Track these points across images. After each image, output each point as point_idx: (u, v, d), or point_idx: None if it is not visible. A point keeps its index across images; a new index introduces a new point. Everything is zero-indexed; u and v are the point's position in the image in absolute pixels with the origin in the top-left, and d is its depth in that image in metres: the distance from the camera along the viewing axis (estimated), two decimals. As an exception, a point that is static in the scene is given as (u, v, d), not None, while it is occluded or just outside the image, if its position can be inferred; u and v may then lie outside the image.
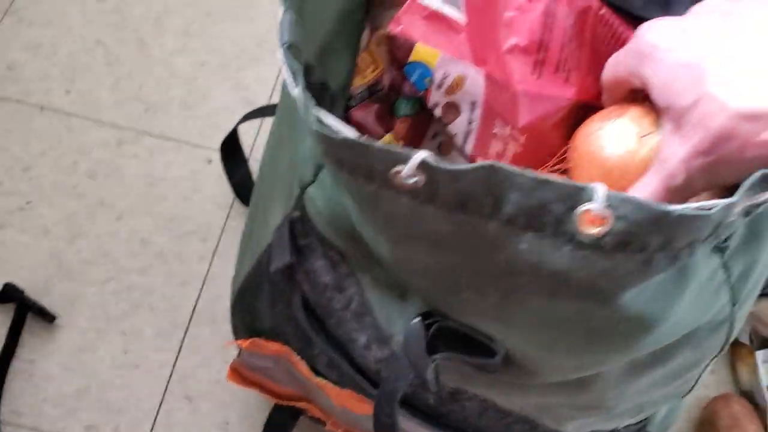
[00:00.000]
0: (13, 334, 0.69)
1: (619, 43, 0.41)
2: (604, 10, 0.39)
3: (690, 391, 0.47)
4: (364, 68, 0.42)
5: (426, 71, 0.39)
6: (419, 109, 0.42)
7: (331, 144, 0.29)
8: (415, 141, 0.43)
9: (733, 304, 0.36)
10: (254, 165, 0.79)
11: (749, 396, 0.72)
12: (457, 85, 0.39)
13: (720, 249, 0.33)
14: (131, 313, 0.72)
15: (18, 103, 0.81)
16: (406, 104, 0.42)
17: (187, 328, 0.72)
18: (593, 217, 0.26)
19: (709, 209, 0.26)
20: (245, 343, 0.50)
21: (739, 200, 0.27)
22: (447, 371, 0.41)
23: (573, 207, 0.26)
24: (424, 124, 0.43)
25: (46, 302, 0.71)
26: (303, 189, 0.40)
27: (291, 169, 0.42)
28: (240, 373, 0.58)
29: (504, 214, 0.27)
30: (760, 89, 0.28)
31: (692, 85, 0.30)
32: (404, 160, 0.27)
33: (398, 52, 0.39)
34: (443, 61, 0.38)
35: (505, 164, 0.26)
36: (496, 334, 0.36)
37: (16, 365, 0.69)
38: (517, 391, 0.41)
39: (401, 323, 0.40)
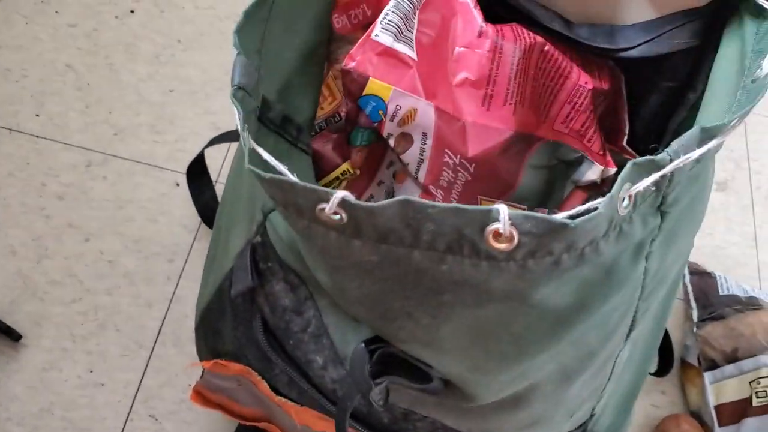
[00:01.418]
0: (-22, 354, 0.69)
1: (563, 77, 0.44)
2: (548, 47, 0.43)
3: (607, 382, 0.48)
4: (322, 101, 0.44)
5: (380, 104, 0.41)
6: (375, 139, 0.45)
7: (260, 181, 0.31)
8: (371, 169, 0.46)
9: (639, 299, 0.39)
10: (221, 188, 0.81)
11: (698, 416, 0.75)
12: (409, 117, 0.41)
13: (641, 247, 0.36)
14: (97, 333, 0.73)
15: (-13, 126, 0.82)
16: (362, 134, 0.45)
17: (153, 348, 0.73)
18: (501, 235, 0.29)
19: (596, 209, 0.29)
20: (208, 365, 0.51)
21: (617, 193, 0.30)
22: (397, 393, 0.44)
23: (483, 228, 0.29)
24: (380, 154, 0.46)
25: (11, 322, 0.72)
26: (266, 215, 0.42)
27: (253, 195, 0.44)
28: (203, 394, 0.59)
29: (423, 243, 0.30)
30: None
31: None
32: (326, 198, 0.29)
33: (352, 85, 0.41)
34: (396, 94, 0.41)
35: (417, 198, 0.29)
36: (431, 360, 0.38)
37: (-19, 384, 0.69)
38: (463, 413, 0.43)
39: (355, 345, 0.42)
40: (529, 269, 0.30)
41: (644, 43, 0.44)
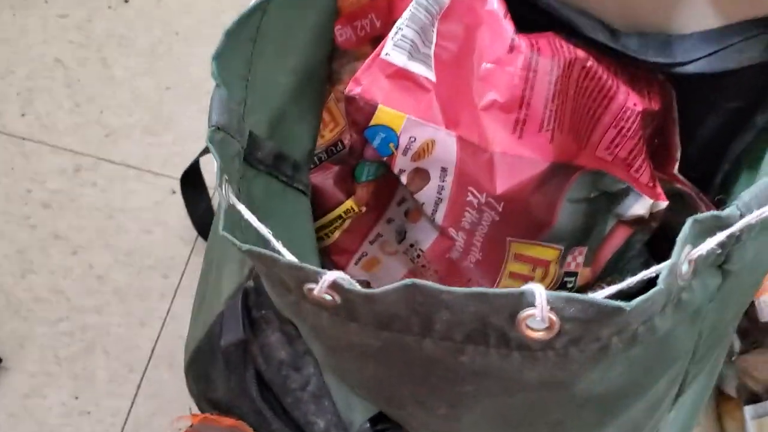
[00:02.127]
0: (-46, 379, 0.64)
1: (607, 97, 0.37)
2: (590, 62, 0.36)
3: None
4: (322, 127, 0.38)
5: (390, 135, 0.34)
6: (384, 172, 0.38)
7: (244, 252, 0.25)
8: (379, 207, 0.39)
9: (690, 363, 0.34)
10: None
11: (735, 449, 0.69)
12: (425, 151, 0.35)
13: (698, 312, 0.30)
14: (84, 356, 0.68)
15: (-30, 126, 0.77)
16: (369, 169, 0.38)
17: (144, 372, 0.68)
18: (538, 322, 0.23)
19: (653, 283, 0.24)
20: (197, 419, 0.46)
21: (677, 260, 0.24)
22: None
23: (514, 315, 0.23)
24: (390, 189, 0.39)
25: (-8, 343, 0.66)
26: None
27: None
28: None
29: (437, 332, 0.24)
30: None
31: None
32: (314, 279, 0.24)
33: (358, 114, 0.35)
34: (410, 124, 0.34)
35: (427, 282, 0.23)
36: None
37: (-43, 412, 0.64)
38: None
39: (360, 411, 0.37)
40: (571, 358, 0.25)
41: (706, 56, 0.38)
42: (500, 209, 0.36)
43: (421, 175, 0.36)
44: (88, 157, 0.76)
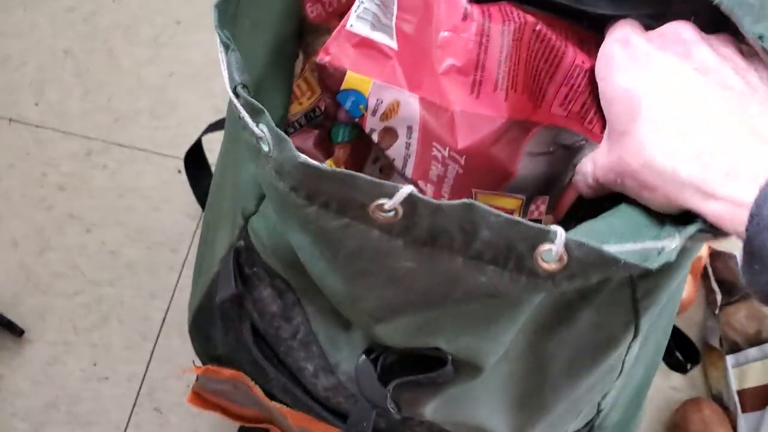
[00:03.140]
0: (-19, 349, 0.69)
1: (558, 57, 0.41)
2: (539, 26, 0.39)
3: (617, 378, 0.47)
4: (300, 95, 0.42)
5: (359, 98, 0.38)
6: (357, 134, 0.42)
7: (313, 176, 0.29)
8: (356, 166, 0.43)
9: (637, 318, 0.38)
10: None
11: (719, 400, 0.72)
12: (392, 111, 0.38)
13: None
14: (100, 326, 0.72)
15: (-13, 116, 0.81)
16: (344, 130, 0.42)
17: (157, 340, 0.72)
18: (552, 256, 0.28)
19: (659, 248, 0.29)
20: (200, 370, 0.50)
21: (678, 245, 0.29)
22: (399, 402, 0.42)
23: (534, 246, 0.28)
24: (365, 149, 0.43)
25: (14, 316, 0.71)
26: (246, 219, 0.40)
27: (234, 198, 0.42)
28: (201, 396, 0.58)
29: (472, 250, 0.29)
30: (677, 150, 0.29)
31: (626, 114, 0.31)
32: (390, 192, 0.28)
33: (329, 80, 0.39)
34: (376, 87, 0.38)
35: (482, 204, 0.27)
36: (439, 343, 0.36)
37: (-15, 380, 0.69)
38: (466, 409, 0.42)
39: (346, 352, 0.40)
40: (560, 287, 0.30)
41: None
42: (463, 163, 0.40)
43: (390, 134, 0.39)
44: (98, 142, 0.81)
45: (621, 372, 0.45)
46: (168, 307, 0.73)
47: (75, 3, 0.89)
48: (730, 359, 0.71)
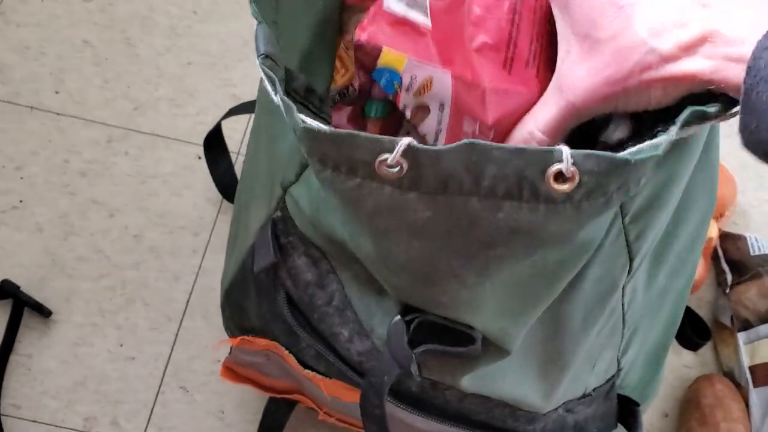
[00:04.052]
0: (11, 330, 0.70)
1: None
2: None
3: (624, 329, 0.48)
4: (335, 74, 0.43)
5: (394, 75, 0.40)
6: (390, 110, 0.44)
7: (316, 139, 0.30)
8: None
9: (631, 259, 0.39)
10: (243, 161, 0.81)
11: (731, 376, 0.74)
12: (425, 88, 0.40)
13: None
14: (125, 308, 0.74)
15: (8, 104, 0.82)
16: (377, 106, 0.44)
17: (181, 321, 0.74)
18: (563, 175, 0.29)
19: (656, 147, 0.29)
20: (235, 341, 0.51)
21: (675, 135, 0.30)
22: (426, 366, 0.43)
23: (544, 170, 0.28)
24: (396, 125, 0.45)
25: (41, 298, 0.72)
26: (285, 189, 0.41)
27: (271, 170, 0.43)
28: (233, 370, 0.59)
29: (483, 188, 0.30)
30: (676, 31, 0.30)
31: (615, 19, 0.32)
32: (390, 147, 0.29)
33: (365, 58, 0.40)
34: (410, 64, 0.40)
35: (482, 140, 0.28)
36: (471, 320, 0.38)
37: (15, 359, 0.70)
38: (491, 379, 0.43)
39: (380, 317, 0.42)
40: (583, 210, 0.30)
41: None
42: (491, 137, 0.41)
43: (422, 110, 0.41)
44: (119, 129, 0.82)
45: (624, 317, 0.46)
46: (192, 289, 0.75)
47: (92, -6, 0.90)
48: (741, 336, 0.73)
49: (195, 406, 0.70)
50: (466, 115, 0.41)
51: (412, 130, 0.44)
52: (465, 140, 0.28)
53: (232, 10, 0.91)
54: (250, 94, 0.86)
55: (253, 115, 0.84)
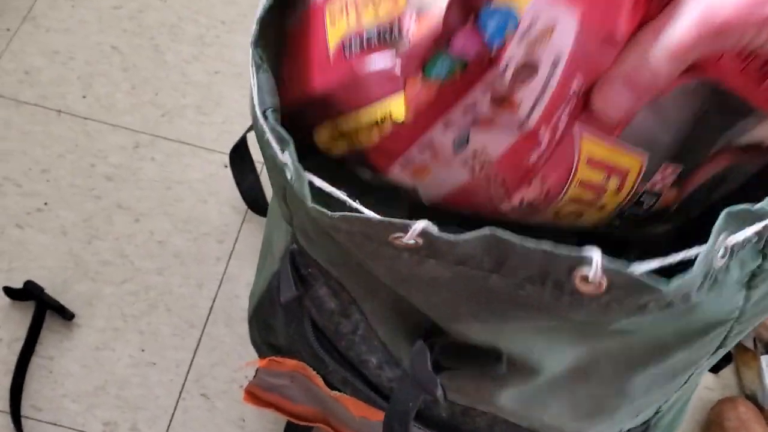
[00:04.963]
0: (33, 331, 0.70)
1: None
2: None
3: (680, 387, 0.48)
4: (375, 4, 0.32)
5: (510, 16, 0.29)
6: (461, 71, 0.32)
7: (326, 216, 0.29)
8: (436, 112, 0.33)
9: (738, 319, 0.36)
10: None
11: (753, 399, 0.74)
12: (542, 37, 0.29)
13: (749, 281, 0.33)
14: (148, 313, 0.73)
15: (35, 107, 0.83)
16: (444, 63, 0.32)
17: (204, 328, 0.73)
18: (590, 281, 0.27)
19: (691, 263, 0.27)
20: (264, 362, 0.51)
21: (712, 248, 0.27)
22: (456, 391, 0.43)
23: (572, 269, 0.27)
24: (456, 94, 0.33)
25: (64, 301, 0.72)
26: (292, 225, 0.40)
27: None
28: (255, 394, 0.58)
29: (505, 269, 0.28)
30: None
31: None
32: (404, 229, 0.27)
33: None
34: (539, 1, 0.29)
35: (505, 232, 0.26)
36: (498, 343, 0.37)
37: (36, 361, 0.70)
38: (522, 403, 0.42)
39: (407, 346, 0.41)
40: (612, 309, 0.29)
41: None
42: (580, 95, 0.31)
43: (528, 69, 0.30)
44: (145, 135, 0.82)
45: (687, 380, 0.45)
46: (215, 296, 0.75)
47: (121, 1, 0.91)
48: (764, 359, 0.73)
49: (215, 414, 0.70)
50: (580, 70, 0.30)
51: (489, 101, 0.32)
52: (485, 230, 0.26)
53: (259, 21, 0.92)
54: (276, 105, 0.86)
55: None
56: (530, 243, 0.26)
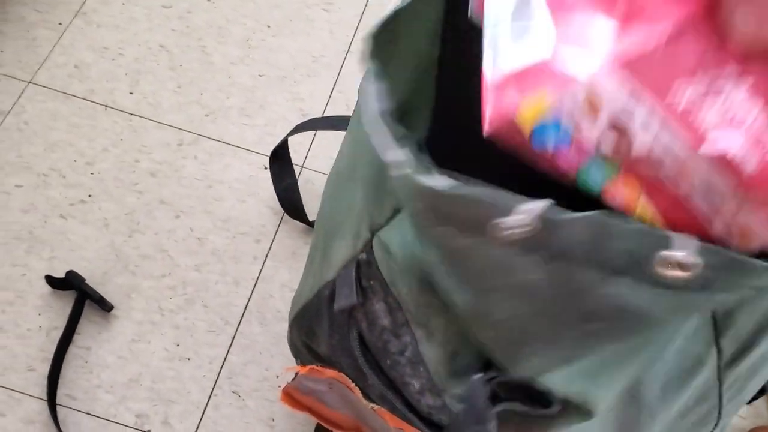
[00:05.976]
0: (73, 321, 0.71)
1: None
2: None
3: (718, 413, 0.47)
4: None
5: (553, 122, 0.27)
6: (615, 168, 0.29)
7: (429, 196, 0.29)
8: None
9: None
10: (307, 174, 0.82)
11: (782, 427, 0.73)
12: (593, 101, 0.26)
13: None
14: (185, 308, 0.74)
15: (83, 101, 0.84)
16: (600, 167, 0.29)
17: (238, 326, 0.74)
18: (683, 263, 0.27)
19: None
20: (304, 369, 0.51)
21: None
22: (503, 427, 0.43)
23: (659, 252, 0.27)
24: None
25: (103, 292, 0.73)
26: (373, 233, 0.40)
27: (360, 210, 0.42)
28: (293, 396, 0.59)
29: (603, 261, 0.29)
30: None
31: None
32: (522, 206, 0.28)
33: (509, 140, 0.28)
34: (559, 101, 0.27)
35: (614, 214, 0.27)
36: (555, 382, 0.37)
37: (73, 351, 0.71)
38: None
39: (453, 380, 0.41)
40: (686, 300, 0.29)
41: None
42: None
43: (617, 131, 0.27)
44: (189, 134, 0.84)
45: (721, 410, 0.45)
46: (250, 295, 0.76)
47: (171, 0, 0.93)
48: (797, 388, 0.72)
49: (246, 412, 0.70)
50: None
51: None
52: (597, 212, 0.27)
53: (302, 27, 0.93)
54: (317, 110, 0.87)
55: (318, 132, 0.85)
56: (635, 224, 0.27)
